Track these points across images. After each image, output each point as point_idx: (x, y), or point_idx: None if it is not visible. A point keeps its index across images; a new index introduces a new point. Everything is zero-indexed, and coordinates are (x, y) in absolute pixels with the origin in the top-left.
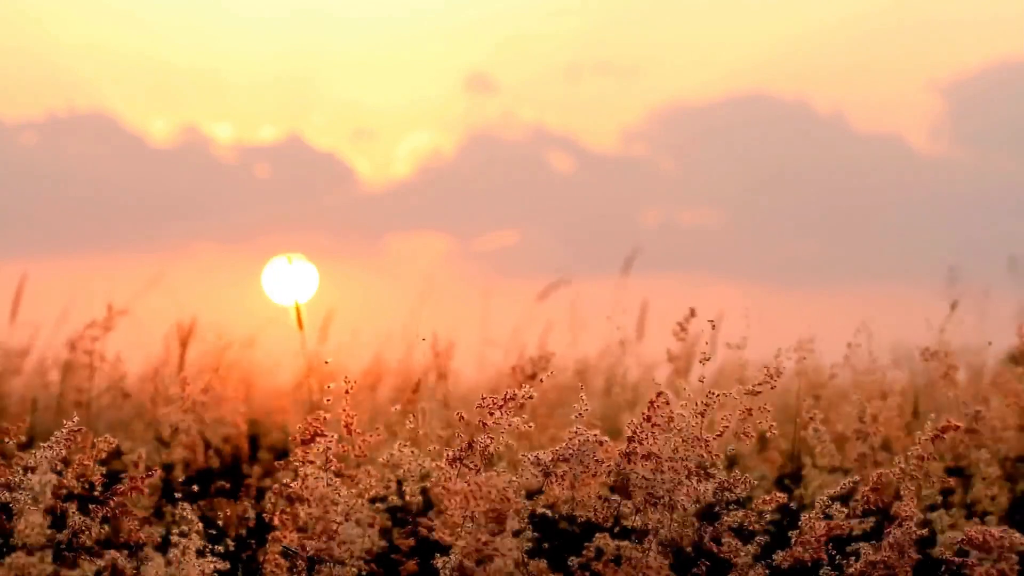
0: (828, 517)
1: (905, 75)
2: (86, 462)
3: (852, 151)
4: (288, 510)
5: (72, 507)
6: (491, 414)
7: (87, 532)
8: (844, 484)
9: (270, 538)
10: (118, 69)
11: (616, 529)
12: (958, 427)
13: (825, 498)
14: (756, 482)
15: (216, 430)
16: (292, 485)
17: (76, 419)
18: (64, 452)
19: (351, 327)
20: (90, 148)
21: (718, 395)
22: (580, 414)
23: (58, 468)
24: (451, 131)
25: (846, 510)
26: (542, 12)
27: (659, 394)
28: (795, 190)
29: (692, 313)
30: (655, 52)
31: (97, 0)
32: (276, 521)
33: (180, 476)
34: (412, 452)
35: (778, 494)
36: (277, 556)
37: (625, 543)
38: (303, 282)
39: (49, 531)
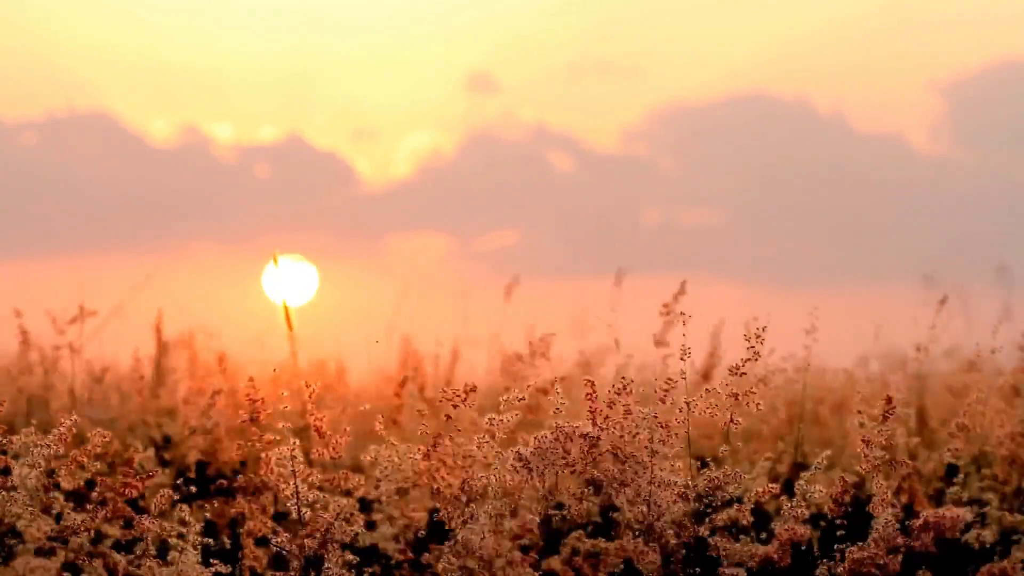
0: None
1: (905, 75)
2: (81, 458)
3: (852, 151)
4: (255, 500)
5: (68, 505)
6: (454, 407)
7: (87, 531)
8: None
9: (244, 531)
10: (118, 69)
11: (590, 528)
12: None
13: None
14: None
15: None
16: (256, 474)
17: (74, 418)
18: (59, 449)
19: (351, 328)
20: (90, 148)
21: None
22: (558, 409)
23: (52, 466)
24: (451, 131)
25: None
26: (543, 11)
27: (590, 382)
28: (795, 190)
29: (684, 289)
30: (655, 52)
31: (97, 0)
32: (246, 511)
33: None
34: (391, 451)
35: (771, 485)
36: (253, 548)
37: (600, 540)
38: (293, 282)
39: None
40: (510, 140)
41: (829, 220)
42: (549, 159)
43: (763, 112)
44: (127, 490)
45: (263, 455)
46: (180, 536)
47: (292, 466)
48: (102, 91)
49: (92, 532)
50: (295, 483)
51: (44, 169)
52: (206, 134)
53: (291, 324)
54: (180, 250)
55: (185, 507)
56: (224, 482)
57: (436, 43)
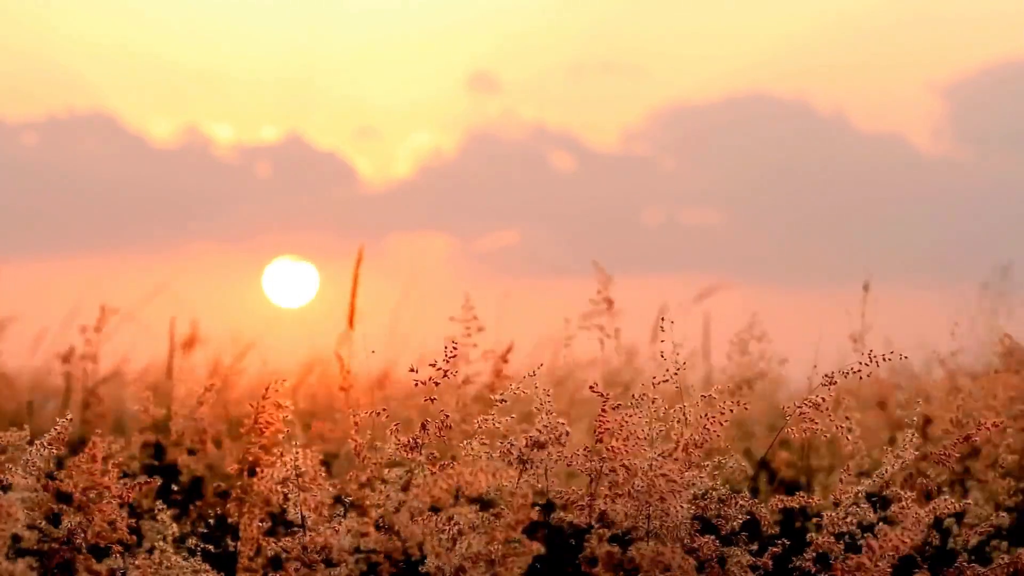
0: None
1: (907, 74)
2: (81, 462)
3: (854, 151)
4: (253, 507)
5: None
6: (436, 384)
7: (83, 534)
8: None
9: (242, 537)
10: (118, 69)
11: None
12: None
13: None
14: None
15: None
16: (256, 481)
17: (71, 417)
18: (58, 451)
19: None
20: (90, 148)
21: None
22: (539, 406)
23: (51, 470)
24: (452, 130)
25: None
26: (543, 10)
27: (607, 402)
28: (796, 190)
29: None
30: (656, 51)
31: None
32: (244, 517)
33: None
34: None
35: (786, 498)
36: (249, 559)
37: (615, 547)
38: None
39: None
40: (510, 139)
41: (830, 220)
42: (550, 158)
43: (763, 112)
44: (123, 494)
45: (275, 463)
46: (163, 538)
47: (292, 474)
48: (102, 91)
49: (90, 535)
50: (298, 496)
51: (44, 169)
52: (206, 134)
53: (353, 324)
54: (180, 250)
55: (162, 505)
56: (222, 485)
57: (436, 42)
